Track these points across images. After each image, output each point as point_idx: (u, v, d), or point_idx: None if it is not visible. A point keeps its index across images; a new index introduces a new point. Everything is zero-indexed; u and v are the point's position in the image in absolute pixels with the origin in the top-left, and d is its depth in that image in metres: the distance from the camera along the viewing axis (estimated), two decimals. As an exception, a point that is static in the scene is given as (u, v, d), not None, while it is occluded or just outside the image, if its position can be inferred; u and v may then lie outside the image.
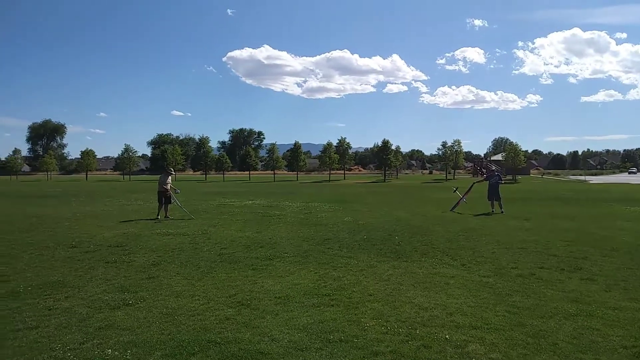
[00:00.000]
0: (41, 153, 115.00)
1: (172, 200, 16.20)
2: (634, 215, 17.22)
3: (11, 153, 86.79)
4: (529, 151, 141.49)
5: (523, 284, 6.91)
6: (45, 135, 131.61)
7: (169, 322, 5.29)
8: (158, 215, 15.73)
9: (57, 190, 37.71)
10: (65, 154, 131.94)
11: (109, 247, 10.03)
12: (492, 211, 17.70)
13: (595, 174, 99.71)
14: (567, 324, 5.13)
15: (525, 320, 5.27)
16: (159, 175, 17.52)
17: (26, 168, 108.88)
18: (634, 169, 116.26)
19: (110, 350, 4.46)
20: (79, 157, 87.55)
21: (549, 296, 6.26)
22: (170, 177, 16.67)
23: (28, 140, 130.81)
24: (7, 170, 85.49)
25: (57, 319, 5.39)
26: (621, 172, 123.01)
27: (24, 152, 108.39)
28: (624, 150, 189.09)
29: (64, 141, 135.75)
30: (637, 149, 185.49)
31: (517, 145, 75.39)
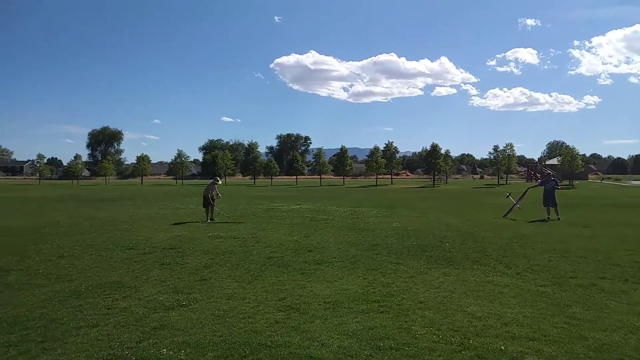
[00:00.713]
0: (100, 158, 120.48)
1: (214, 206, 16.77)
2: None
3: (73, 159, 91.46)
4: (587, 155, 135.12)
5: (583, 295, 6.59)
6: (104, 141, 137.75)
7: (220, 324, 5.40)
8: (208, 219, 16.16)
9: (115, 194, 39.42)
10: (122, 159, 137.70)
11: (164, 249, 10.37)
12: (548, 217, 17.01)
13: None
14: (633, 339, 4.83)
15: (586, 333, 5.01)
16: (209, 181, 18.00)
17: (86, 173, 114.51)
18: None
19: (165, 350, 4.59)
20: (135, 162, 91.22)
21: (612, 308, 5.93)
22: (216, 187, 17.17)
23: (88, 146, 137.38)
24: (69, 175, 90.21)
25: (116, 318, 5.62)
26: None
27: (84, 157, 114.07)
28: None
29: (121, 147, 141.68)
30: None
31: (573, 148, 72.09)
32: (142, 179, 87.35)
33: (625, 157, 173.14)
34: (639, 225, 15.41)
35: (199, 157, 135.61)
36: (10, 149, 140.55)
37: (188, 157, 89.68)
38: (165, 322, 5.46)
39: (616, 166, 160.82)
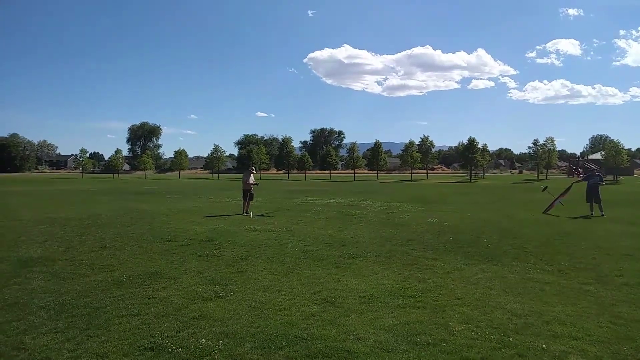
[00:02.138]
0: (139, 153, 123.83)
1: (255, 198, 16.94)
2: None
3: (113, 153, 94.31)
4: (633, 149, 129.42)
5: (630, 294, 6.33)
6: (143, 136, 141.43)
7: (257, 315, 5.46)
8: (244, 212, 16.38)
9: (154, 188, 40.43)
10: (160, 154, 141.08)
11: (201, 242, 10.56)
12: (592, 214, 16.42)
13: None
14: (685, 341, 4.61)
15: (634, 333, 4.81)
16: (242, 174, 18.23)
17: (126, 167, 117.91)
18: None
19: (204, 340, 4.68)
20: (173, 156, 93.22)
21: (662, 308, 5.67)
22: (252, 175, 17.34)
23: (128, 141, 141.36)
24: (110, 169, 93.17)
25: (156, 307, 5.76)
26: None
27: (125, 152, 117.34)
28: None
29: (160, 142, 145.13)
30: None
31: (618, 142, 69.24)
32: (179, 173, 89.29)
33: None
34: (689, 222, 14.68)
35: (235, 151, 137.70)
36: (55, 144, 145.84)
37: (224, 151, 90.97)
38: (204, 313, 5.56)
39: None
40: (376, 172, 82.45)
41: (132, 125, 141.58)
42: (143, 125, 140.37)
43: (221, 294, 6.33)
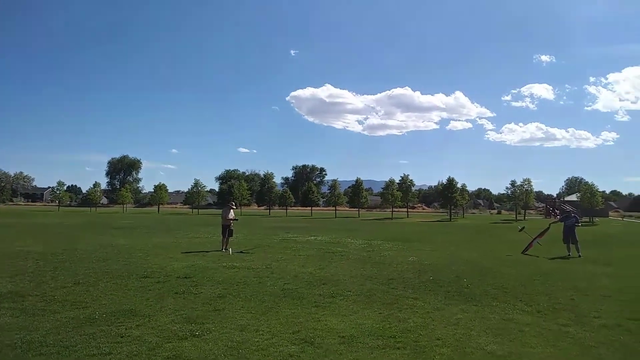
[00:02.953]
0: (118, 186, 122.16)
1: (234, 234, 16.78)
2: None
3: (92, 186, 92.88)
4: (607, 192, 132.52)
5: (609, 336, 6.35)
6: (123, 169, 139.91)
7: (234, 355, 5.31)
8: (223, 248, 16.15)
9: (132, 222, 39.75)
10: (140, 188, 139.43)
11: (178, 278, 10.33)
12: (569, 255, 16.62)
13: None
14: (663, 384, 4.62)
15: (613, 376, 4.80)
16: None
17: (104, 200, 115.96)
18: None
19: (177, 381, 4.50)
20: (152, 190, 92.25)
21: (640, 351, 5.69)
22: (232, 211, 17.18)
23: (107, 174, 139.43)
24: (87, 202, 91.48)
25: (129, 346, 5.56)
26: None
27: (103, 185, 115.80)
28: None
29: (139, 175, 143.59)
30: None
31: (592, 185, 71.12)
32: (159, 207, 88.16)
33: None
34: (663, 264, 14.95)
35: (216, 186, 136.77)
36: (32, 176, 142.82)
37: (204, 186, 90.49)
38: (178, 353, 5.38)
39: (638, 203, 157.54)
40: (357, 209, 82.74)
41: (112, 159, 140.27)
42: (123, 158, 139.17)
43: (197, 333, 6.15)
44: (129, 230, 27.98)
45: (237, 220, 17.53)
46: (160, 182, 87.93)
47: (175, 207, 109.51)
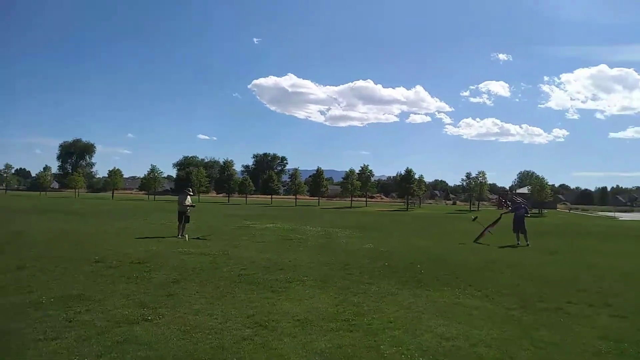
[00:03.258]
0: (70, 171, 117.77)
1: (191, 220, 16.56)
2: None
3: (42, 170, 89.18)
4: (556, 185, 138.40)
5: (550, 318, 6.68)
6: (75, 153, 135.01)
7: (186, 339, 5.26)
8: (179, 234, 15.89)
9: (84, 207, 38.47)
10: (93, 173, 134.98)
11: (131, 264, 10.11)
12: (518, 243, 17.30)
13: (626, 211, 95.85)
14: (597, 361, 4.91)
15: (553, 356, 5.07)
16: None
17: (55, 185, 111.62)
18: None
19: (127, 365, 4.43)
20: (107, 175, 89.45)
21: (578, 332, 6.02)
22: (189, 197, 16.89)
23: (58, 158, 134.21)
24: (37, 186, 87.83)
25: (77, 331, 5.42)
26: None
27: (55, 169, 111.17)
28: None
29: (93, 160, 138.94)
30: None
31: (543, 178, 74.28)
32: (113, 193, 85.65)
33: (592, 189, 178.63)
34: (604, 252, 15.80)
35: (173, 173, 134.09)
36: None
37: (161, 172, 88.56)
38: (129, 336, 5.29)
39: (583, 197, 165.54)
40: (317, 198, 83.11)
41: (64, 142, 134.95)
42: (76, 142, 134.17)
43: (149, 317, 6.05)
44: (81, 216, 27.09)
45: (194, 207, 17.22)
46: (114, 167, 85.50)
47: (131, 193, 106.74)
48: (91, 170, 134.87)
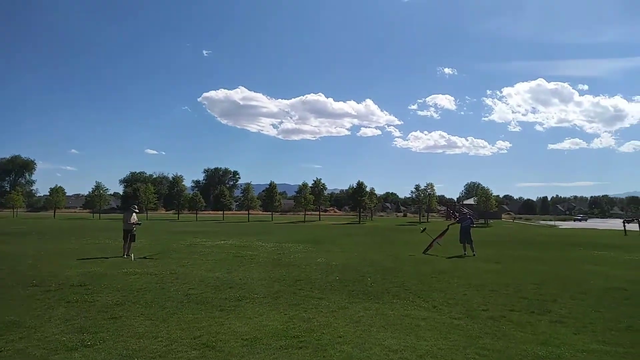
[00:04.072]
0: (8, 189, 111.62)
1: (137, 239, 16.03)
2: (602, 259, 17.56)
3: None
4: (500, 196, 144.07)
5: (493, 326, 6.89)
6: (14, 171, 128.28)
7: (128, 364, 5.05)
8: (125, 254, 15.32)
9: (22, 228, 36.46)
10: (33, 191, 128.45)
11: (72, 287, 9.64)
12: (464, 254, 17.79)
13: (565, 220, 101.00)
14: (536, 367, 5.09)
15: (495, 362, 5.21)
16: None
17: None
18: (579, 217, 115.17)
19: (62, 395, 4.20)
20: (48, 194, 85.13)
21: (519, 338, 6.24)
22: (134, 214, 16.34)
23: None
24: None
25: (8, 361, 5.09)
26: (597, 218, 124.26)
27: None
28: (591, 196, 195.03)
29: (33, 177, 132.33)
30: (603, 196, 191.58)
31: (488, 189, 77.28)
32: (55, 211, 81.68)
33: (534, 199, 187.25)
34: (545, 260, 16.53)
35: (120, 190, 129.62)
36: None
37: (107, 189, 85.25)
38: (66, 365, 5.03)
39: (526, 207, 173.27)
40: (271, 213, 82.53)
41: (1, 159, 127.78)
42: (14, 159, 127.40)
43: (89, 343, 5.77)
44: (19, 236, 25.65)
45: (139, 224, 16.61)
46: (57, 185, 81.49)
47: (74, 212, 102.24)
48: (31, 188, 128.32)
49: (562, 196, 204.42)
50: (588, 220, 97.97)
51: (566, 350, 5.70)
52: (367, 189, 76.20)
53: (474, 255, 17.56)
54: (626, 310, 8.09)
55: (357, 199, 75.06)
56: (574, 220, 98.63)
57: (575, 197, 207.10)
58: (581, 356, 5.49)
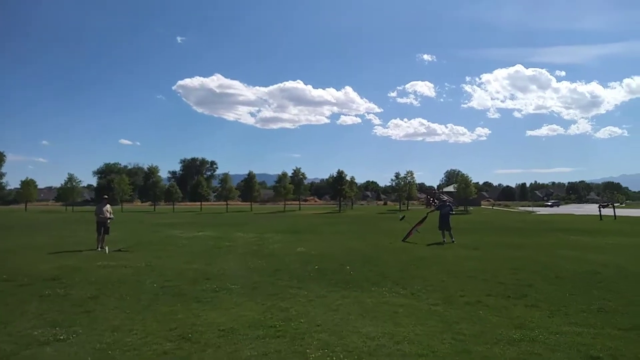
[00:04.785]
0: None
1: (111, 232, 15.73)
2: (577, 244, 17.93)
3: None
4: (480, 183, 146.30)
5: (470, 312, 6.96)
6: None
7: (102, 357, 4.98)
8: (98, 247, 15.04)
9: (-6, 222, 35.56)
10: (3, 184, 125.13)
11: (45, 281, 9.42)
12: (444, 241, 17.97)
13: (541, 206, 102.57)
14: (510, 350, 5.16)
15: (470, 347, 5.26)
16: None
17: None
18: (549, 202, 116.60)
19: (32, 391, 4.09)
20: (19, 187, 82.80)
21: (495, 323, 6.31)
22: (107, 205, 16.00)
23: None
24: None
25: (-24, 358, 4.94)
26: (574, 203, 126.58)
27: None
28: (569, 182, 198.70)
29: (3, 170, 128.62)
30: (580, 182, 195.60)
31: (467, 177, 78.02)
32: (26, 205, 79.75)
33: (513, 185, 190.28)
34: (522, 246, 16.78)
35: (93, 182, 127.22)
36: None
37: (80, 181, 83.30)
38: (38, 359, 4.91)
39: (505, 193, 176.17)
40: (250, 203, 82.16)
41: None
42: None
43: (62, 337, 5.65)
44: (-10, 231, 24.98)
45: (112, 219, 16.18)
46: (27, 177, 79.38)
47: (47, 205, 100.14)
48: (1, 181, 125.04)
49: (541, 182, 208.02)
50: (560, 207, 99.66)
51: (540, 333, 5.79)
52: (347, 178, 76.39)
53: (453, 242, 17.75)
54: (598, 293, 8.27)
55: (337, 188, 75.21)
56: (544, 207, 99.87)
57: (554, 183, 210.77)
58: (554, 338, 5.58)
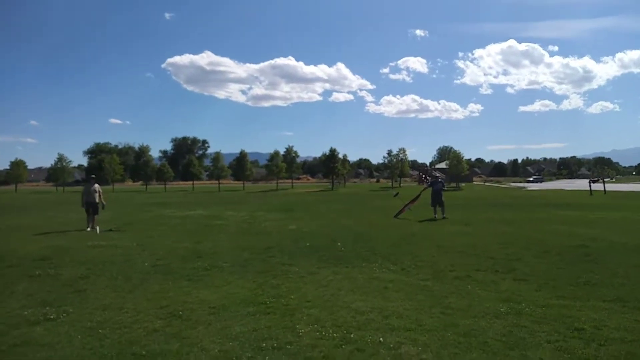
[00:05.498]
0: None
1: (100, 211, 15.69)
2: (566, 218, 18.10)
3: None
4: (472, 159, 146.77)
5: (459, 286, 7.03)
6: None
7: (92, 336, 4.98)
8: (89, 227, 14.99)
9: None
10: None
11: (34, 261, 9.39)
12: (435, 217, 18.09)
13: (534, 182, 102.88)
14: (497, 323, 5.24)
15: (458, 320, 5.33)
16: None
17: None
18: (531, 178, 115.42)
19: (21, 370, 4.11)
20: (8, 168, 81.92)
21: (483, 297, 6.39)
22: (96, 185, 15.87)
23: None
24: None
25: (-35, 338, 4.93)
26: (558, 179, 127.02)
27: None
28: (560, 158, 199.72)
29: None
30: (571, 157, 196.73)
31: (460, 153, 78.14)
32: (16, 186, 79.06)
33: (505, 162, 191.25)
34: (512, 222, 16.92)
35: (84, 161, 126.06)
36: None
37: (70, 161, 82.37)
38: (28, 338, 4.93)
39: (497, 169, 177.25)
40: (242, 182, 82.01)
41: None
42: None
43: (52, 317, 5.65)
44: (-20, 212, 24.79)
45: (104, 204, 16.06)
46: (17, 158, 78.45)
47: (37, 186, 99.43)
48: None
49: (532, 158, 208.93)
50: (544, 182, 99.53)
51: (527, 306, 5.87)
52: (340, 156, 76.27)
53: (444, 218, 17.87)
54: (585, 266, 8.39)
55: (329, 166, 75.09)
56: (527, 182, 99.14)
57: (545, 158, 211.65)
58: (541, 311, 5.66)
